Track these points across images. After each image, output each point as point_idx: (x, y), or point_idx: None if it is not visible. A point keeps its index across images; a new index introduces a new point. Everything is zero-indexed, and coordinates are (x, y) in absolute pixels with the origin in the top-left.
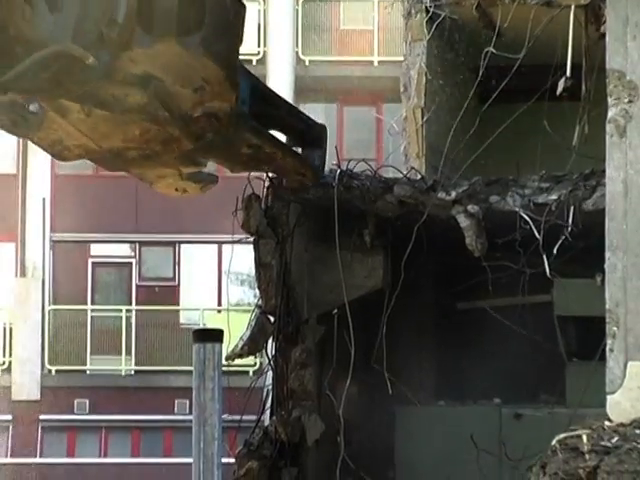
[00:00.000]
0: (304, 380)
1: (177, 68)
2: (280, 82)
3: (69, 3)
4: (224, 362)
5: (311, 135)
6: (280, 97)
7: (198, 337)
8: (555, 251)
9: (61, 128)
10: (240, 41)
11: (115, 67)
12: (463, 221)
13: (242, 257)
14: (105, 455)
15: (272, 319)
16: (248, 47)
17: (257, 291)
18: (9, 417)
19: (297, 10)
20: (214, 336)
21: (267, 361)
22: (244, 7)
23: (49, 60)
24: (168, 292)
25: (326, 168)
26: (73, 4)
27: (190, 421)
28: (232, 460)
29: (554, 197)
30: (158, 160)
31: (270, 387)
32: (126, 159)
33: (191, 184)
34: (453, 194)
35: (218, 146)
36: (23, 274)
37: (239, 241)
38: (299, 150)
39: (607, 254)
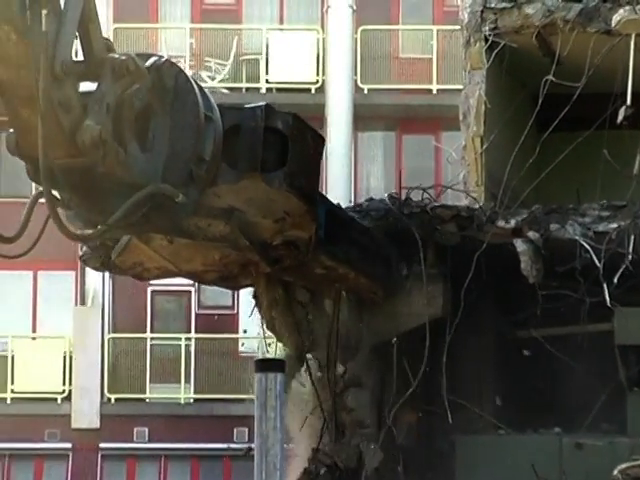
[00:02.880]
0: (347, 404)
1: (260, 201)
2: (339, 110)
3: (159, 143)
4: None
5: (381, 254)
6: (353, 218)
7: (260, 367)
8: (615, 280)
9: (143, 253)
10: (319, 172)
11: (200, 202)
12: (520, 245)
13: None
14: None
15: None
16: (307, 76)
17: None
18: (69, 445)
19: (356, 38)
20: (276, 366)
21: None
22: (323, 140)
23: (143, 200)
24: (227, 320)
25: (384, 196)
26: (162, 144)
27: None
28: None
29: (614, 225)
30: (235, 281)
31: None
32: (203, 279)
33: None
34: (512, 222)
35: (293, 267)
36: (83, 302)
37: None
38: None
39: None
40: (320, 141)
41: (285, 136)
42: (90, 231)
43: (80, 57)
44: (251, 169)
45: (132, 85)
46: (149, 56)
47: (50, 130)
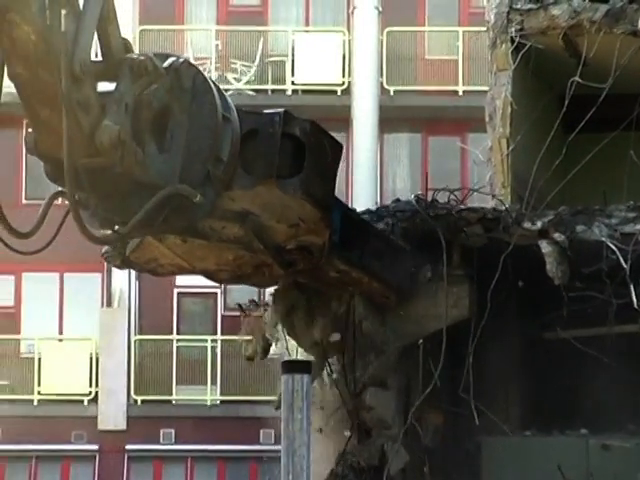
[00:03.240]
0: (366, 403)
1: (275, 207)
2: (365, 112)
3: (176, 143)
4: None
5: (396, 258)
6: (369, 223)
7: (287, 368)
8: None
9: (157, 250)
10: (335, 179)
11: (215, 204)
12: (545, 247)
13: None
14: None
15: None
16: (333, 78)
17: None
18: (95, 447)
19: (381, 40)
20: (303, 367)
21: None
22: (341, 147)
23: (162, 202)
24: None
25: (411, 197)
26: (180, 144)
27: (276, 451)
28: None
29: None
30: (248, 281)
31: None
32: (217, 278)
33: None
34: (539, 224)
35: (307, 270)
36: (109, 304)
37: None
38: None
39: None
40: (338, 148)
41: (302, 143)
42: (110, 233)
43: (99, 58)
44: (267, 175)
45: (150, 85)
46: (167, 56)
47: (70, 130)
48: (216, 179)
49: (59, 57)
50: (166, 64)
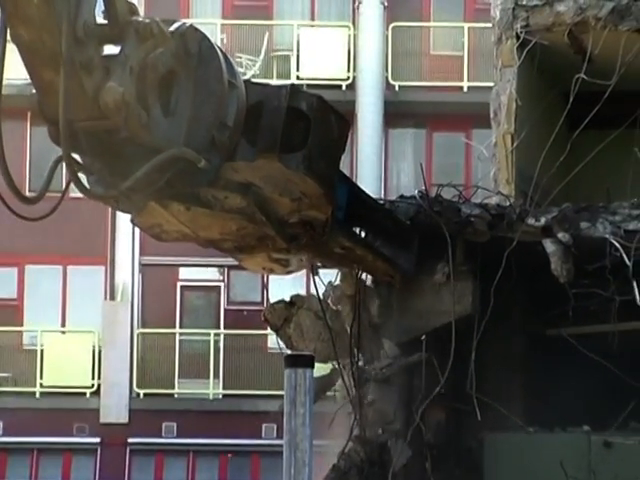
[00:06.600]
0: (368, 397)
1: (277, 180)
2: (369, 107)
3: (181, 108)
4: None
5: (402, 237)
6: (375, 200)
7: (289, 362)
8: None
9: (161, 216)
10: (341, 156)
11: (218, 175)
12: (549, 247)
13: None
14: (193, 479)
15: None
16: (338, 72)
17: None
18: (97, 440)
19: (387, 35)
20: (305, 361)
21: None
22: (348, 125)
23: (166, 164)
24: (256, 316)
25: (415, 192)
26: (185, 109)
27: (278, 445)
28: None
29: None
30: (251, 252)
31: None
32: (221, 248)
33: (278, 266)
34: (542, 220)
35: (311, 245)
36: (112, 297)
37: (324, 266)
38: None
39: None
40: (345, 125)
41: (308, 117)
42: (109, 190)
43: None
44: (269, 149)
45: (156, 49)
46: (173, 22)
47: (73, 92)
48: (221, 145)
49: (62, 20)
50: (172, 28)
